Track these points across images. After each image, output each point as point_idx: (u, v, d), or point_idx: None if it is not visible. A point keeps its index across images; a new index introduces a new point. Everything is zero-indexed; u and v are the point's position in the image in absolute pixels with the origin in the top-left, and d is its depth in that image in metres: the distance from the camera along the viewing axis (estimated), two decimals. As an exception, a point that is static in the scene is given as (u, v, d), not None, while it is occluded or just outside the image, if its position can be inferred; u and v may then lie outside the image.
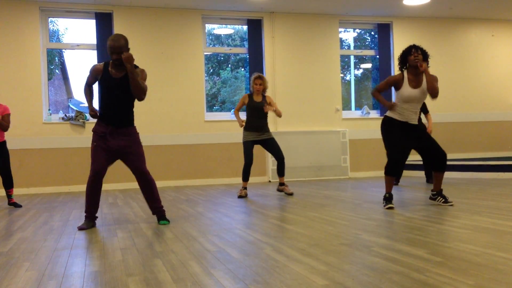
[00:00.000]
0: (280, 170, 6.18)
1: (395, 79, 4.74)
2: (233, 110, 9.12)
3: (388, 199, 4.69)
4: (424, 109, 6.82)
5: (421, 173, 7.90)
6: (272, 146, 6.15)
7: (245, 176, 6.13)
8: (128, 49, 4.07)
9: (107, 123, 4.09)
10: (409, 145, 4.72)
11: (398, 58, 4.77)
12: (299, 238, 3.32)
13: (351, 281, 2.24)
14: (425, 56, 4.68)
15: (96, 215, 4.23)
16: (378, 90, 4.84)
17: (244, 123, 6.17)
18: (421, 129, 4.78)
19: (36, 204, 6.09)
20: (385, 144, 4.80)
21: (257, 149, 6.34)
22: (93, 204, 4.17)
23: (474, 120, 10.00)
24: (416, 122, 4.73)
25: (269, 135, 6.17)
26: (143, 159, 4.19)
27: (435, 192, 4.82)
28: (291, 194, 6.14)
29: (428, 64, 4.71)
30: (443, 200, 4.73)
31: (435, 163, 4.69)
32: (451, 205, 4.67)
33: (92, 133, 4.16)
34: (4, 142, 5.85)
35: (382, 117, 4.89)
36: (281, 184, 6.25)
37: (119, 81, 4.06)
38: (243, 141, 6.15)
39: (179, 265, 2.65)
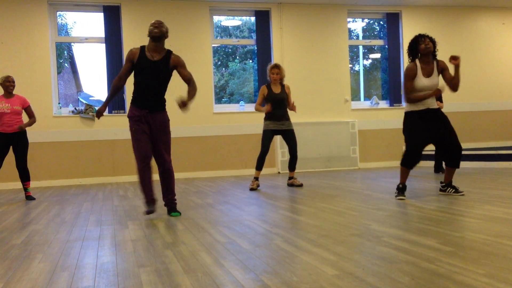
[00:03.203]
0: (292, 165, 6.16)
1: (411, 70, 4.57)
2: (241, 102, 9.13)
3: (401, 189, 4.67)
4: (439, 97, 6.74)
5: (431, 163, 7.85)
6: (289, 139, 6.11)
7: (259, 165, 6.06)
8: (166, 31, 4.16)
9: (141, 107, 4.13)
10: (428, 137, 4.62)
11: (408, 50, 4.69)
12: (309, 228, 3.32)
13: (361, 271, 2.24)
14: (433, 43, 4.63)
15: (155, 197, 4.20)
16: (411, 91, 4.56)
17: (269, 108, 5.99)
18: (442, 119, 4.63)
19: (47, 197, 6.15)
20: (405, 137, 4.73)
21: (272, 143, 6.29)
22: (150, 188, 4.15)
23: (485, 109, 9.91)
24: (435, 106, 4.64)
25: (289, 125, 6.13)
26: (169, 149, 4.24)
27: (444, 184, 4.79)
28: (300, 185, 6.13)
29: (436, 50, 4.65)
30: (454, 190, 4.71)
31: (449, 157, 4.63)
32: (462, 194, 4.64)
33: (128, 119, 4.18)
34: (24, 132, 5.92)
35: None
36: (290, 178, 6.24)
37: (154, 64, 4.11)
38: (263, 129, 6.11)
39: (189, 256, 2.67)
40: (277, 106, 6.07)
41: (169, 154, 4.24)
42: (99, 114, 4.29)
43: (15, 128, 5.82)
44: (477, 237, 2.82)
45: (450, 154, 4.61)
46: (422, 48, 4.55)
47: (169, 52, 4.19)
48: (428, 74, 4.58)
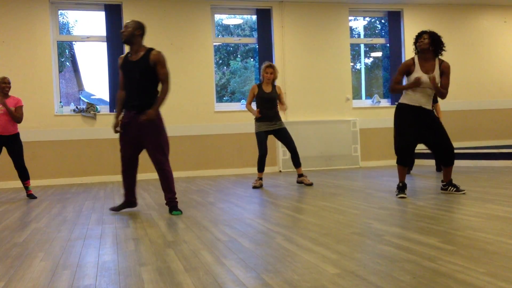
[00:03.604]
0: (295, 161, 6.11)
1: (406, 65, 4.67)
2: (243, 100, 9.13)
3: (401, 188, 4.66)
4: (434, 98, 6.70)
5: (432, 162, 7.85)
6: (284, 137, 6.09)
7: (260, 167, 6.07)
8: (135, 28, 4.17)
9: (129, 109, 4.20)
10: (418, 135, 4.65)
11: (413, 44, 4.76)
12: (310, 227, 3.32)
13: (362, 269, 2.24)
14: (434, 40, 4.57)
15: (137, 201, 4.55)
16: (396, 82, 4.70)
17: (259, 113, 6.02)
18: (433, 120, 4.65)
19: (49, 196, 6.16)
20: (394, 132, 4.73)
21: (268, 139, 6.28)
22: (127, 189, 4.42)
23: (486, 108, 9.89)
24: (429, 107, 4.65)
25: (281, 124, 6.10)
26: (161, 149, 4.20)
27: (445, 183, 4.78)
28: (310, 184, 6.03)
29: (443, 49, 4.63)
30: (455, 189, 4.70)
31: (443, 157, 4.65)
32: (464, 193, 4.64)
33: None
34: (17, 134, 5.91)
35: (394, 105, 4.84)
36: (300, 175, 6.16)
37: (134, 64, 4.15)
38: (255, 132, 6.10)
39: (191, 255, 2.67)
40: (266, 106, 6.05)
41: (162, 153, 4.20)
42: (115, 127, 4.33)
43: (9, 131, 5.81)
44: (478, 236, 2.82)
45: (443, 155, 4.63)
46: (418, 45, 4.61)
47: (150, 50, 4.17)
48: (426, 71, 4.57)
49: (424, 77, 4.52)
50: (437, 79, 4.58)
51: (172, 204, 4.27)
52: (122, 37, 4.16)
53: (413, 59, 4.65)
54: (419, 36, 4.63)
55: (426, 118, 4.62)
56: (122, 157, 4.34)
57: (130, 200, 4.46)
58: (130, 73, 4.17)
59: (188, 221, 3.81)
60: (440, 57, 4.67)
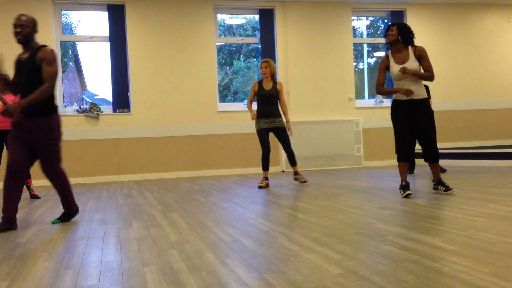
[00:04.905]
0: (291, 160, 6.17)
1: (383, 63, 4.76)
2: (245, 100, 9.13)
3: (404, 187, 4.65)
4: (428, 93, 6.70)
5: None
6: (282, 137, 6.12)
7: (265, 165, 6.05)
8: (32, 27, 3.83)
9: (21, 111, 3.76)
10: (412, 130, 4.68)
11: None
12: (313, 227, 3.32)
13: (365, 269, 2.24)
14: (402, 31, 4.61)
15: (16, 217, 3.82)
16: (380, 84, 4.78)
17: (255, 116, 6.08)
18: (425, 113, 4.63)
19: (52, 196, 6.17)
20: (394, 130, 4.75)
21: (271, 139, 6.28)
22: (8, 203, 3.71)
23: (489, 107, 9.87)
24: (422, 96, 4.63)
25: (281, 123, 6.11)
26: (53, 160, 3.85)
27: (435, 182, 4.79)
28: (305, 182, 6.13)
29: (412, 37, 4.65)
30: (444, 188, 4.70)
31: (425, 154, 4.71)
32: (453, 192, 4.63)
33: None
34: None
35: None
36: (295, 173, 6.25)
37: (22, 63, 3.84)
38: (256, 129, 6.10)
39: (194, 255, 2.68)
40: (266, 103, 6.06)
41: (48, 163, 3.82)
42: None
43: (8, 125, 5.81)
44: (482, 236, 2.81)
45: (425, 151, 4.69)
46: (386, 38, 4.70)
47: (39, 47, 3.81)
48: (402, 61, 4.62)
49: (396, 70, 4.59)
50: (415, 66, 4.58)
51: (63, 212, 4.05)
52: (20, 38, 3.76)
53: (386, 56, 4.74)
54: (387, 29, 4.70)
55: (418, 111, 4.62)
56: (9, 167, 3.71)
57: (11, 219, 3.73)
58: (20, 74, 3.82)
59: (191, 221, 3.81)
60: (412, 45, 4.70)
